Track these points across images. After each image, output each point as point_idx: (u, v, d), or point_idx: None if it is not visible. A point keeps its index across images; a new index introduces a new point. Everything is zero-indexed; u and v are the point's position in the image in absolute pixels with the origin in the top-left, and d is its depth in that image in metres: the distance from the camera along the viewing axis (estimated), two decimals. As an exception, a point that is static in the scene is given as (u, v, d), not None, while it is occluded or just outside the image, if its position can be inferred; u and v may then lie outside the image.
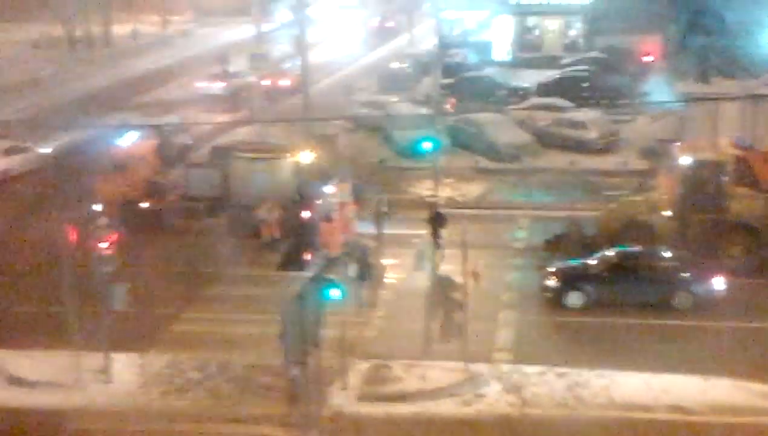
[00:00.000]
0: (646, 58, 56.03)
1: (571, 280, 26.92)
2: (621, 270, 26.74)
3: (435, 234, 27.50)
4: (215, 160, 33.99)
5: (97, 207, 32.65)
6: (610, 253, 27.40)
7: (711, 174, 29.08)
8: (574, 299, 26.67)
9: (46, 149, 40.36)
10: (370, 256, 28.12)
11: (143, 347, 24.65)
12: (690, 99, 40.09)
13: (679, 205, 29.13)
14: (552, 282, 26.98)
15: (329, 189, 31.71)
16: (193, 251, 31.12)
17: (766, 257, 28.59)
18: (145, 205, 33.16)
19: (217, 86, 53.52)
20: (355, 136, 43.88)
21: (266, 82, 54.15)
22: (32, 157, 40.73)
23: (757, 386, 22.23)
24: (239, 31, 69.94)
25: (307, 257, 27.79)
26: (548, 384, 22.53)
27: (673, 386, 22.26)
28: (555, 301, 26.85)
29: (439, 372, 22.98)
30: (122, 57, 68.84)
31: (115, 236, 24.00)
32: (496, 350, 24.51)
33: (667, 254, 27.35)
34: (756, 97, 37.66)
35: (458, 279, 23.55)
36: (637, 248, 27.77)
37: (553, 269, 27.39)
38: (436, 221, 28.08)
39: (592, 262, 27.27)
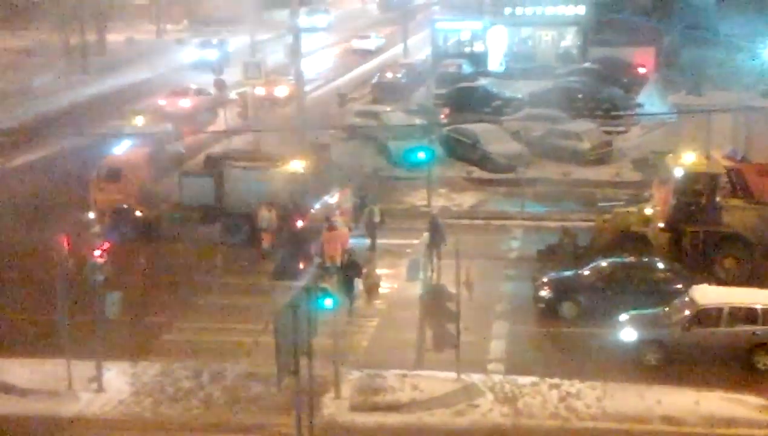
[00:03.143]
0: (639, 70, 56.16)
1: (564, 290, 26.93)
2: (614, 281, 26.76)
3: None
4: (209, 168, 33.95)
5: (91, 215, 32.76)
6: (604, 264, 27.43)
7: (704, 186, 29.16)
8: (567, 309, 26.69)
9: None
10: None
11: (135, 356, 24.57)
12: (683, 111, 40.18)
13: (672, 216, 29.18)
14: (545, 293, 26.99)
15: (330, 197, 31.79)
16: (187, 259, 31.06)
17: (759, 269, 28.66)
18: (138, 213, 33.11)
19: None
20: (348, 146, 43.88)
21: (260, 91, 54.17)
22: None
23: (749, 399, 22.27)
24: (234, 40, 69.88)
25: (302, 266, 27.79)
26: (541, 395, 22.53)
27: (665, 398, 22.27)
28: (548, 311, 26.86)
29: (433, 382, 22.96)
30: (117, 65, 68.73)
31: (107, 244, 23.95)
32: (490, 360, 24.52)
33: (661, 266, 27.38)
34: (749, 110, 37.77)
35: (452, 289, 23.51)
36: (630, 260, 27.80)
37: (546, 280, 27.40)
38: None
39: (585, 273, 27.29)
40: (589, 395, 22.43)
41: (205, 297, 28.48)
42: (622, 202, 33.67)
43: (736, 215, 29.03)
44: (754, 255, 28.68)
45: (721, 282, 27.03)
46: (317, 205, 32.20)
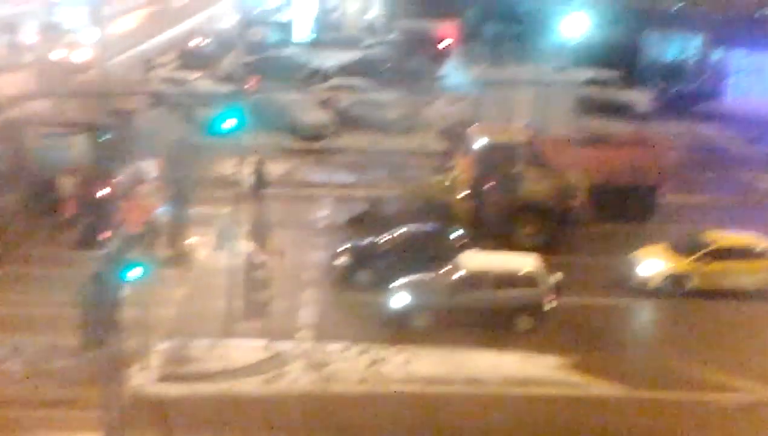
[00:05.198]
0: (444, 42, 57.47)
1: (360, 258, 27.28)
2: (408, 248, 27.26)
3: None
4: (6, 134, 32.41)
5: None
6: (399, 231, 27.97)
7: (504, 156, 30.23)
8: (363, 276, 27.08)
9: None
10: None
11: (-73, 331, 23.33)
12: (486, 83, 41.49)
13: (474, 185, 30.14)
14: (342, 260, 27.29)
15: (136, 166, 31.07)
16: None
17: (556, 235, 30.05)
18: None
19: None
20: (154, 113, 42.91)
21: (60, 54, 52.08)
22: None
23: (546, 359, 23.39)
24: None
25: (106, 235, 27.10)
26: (350, 361, 22.91)
27: (468, 361, 23.11)
28: (345, 279, 27.18)
29: (242, 351, 22.95)
30: None
31: None
32: (299, 327, 24.69)
33: (453, 233, 28.16)
34: (546, 83, 39.40)
35: (262, 257, 23.51)
36: (425, 227, 28.35)
37: (344, 248, 27.71)
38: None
39: (381, 240, 27.69)
40: (396, 360, 22.99)
41: (3, 268, 27.30)
42: (428, 172, 34.45)
43: (534, 185, 30.27)
44: (551, 223, 30.01)
45: (520, 249, 28.12)
46: (122, 173, 31.39)
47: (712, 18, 48.18)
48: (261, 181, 31.42)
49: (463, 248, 26.86)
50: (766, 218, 32.72)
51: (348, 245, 27.87)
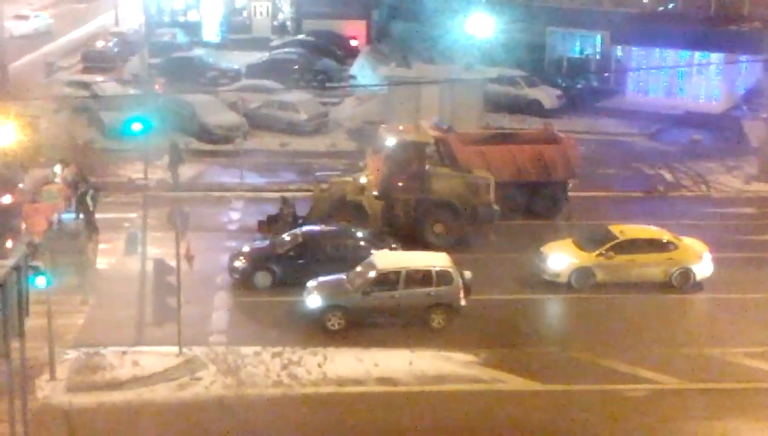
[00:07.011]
0: (352, 42, 57.58)
1: (258, 261, 27.09)
2: (307, 250, 27.14)
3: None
4: None
5: None
6: (298, 233, 27.84)
7: (413, 155, 30.43)
8: (261, 279, 26.90)
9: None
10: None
11: None
12: (393, 82, 41.71)
13: (384, 184, 30.27)
14: (240, 263, 27.07)
15: (41, 172, 30.52)
16: None
17: (466, 233, 30.35)
18: None
19: None
20: (59, 118, 42.05)
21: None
22: None
23: (457, 356, 23.63)
24: None
25: (9, 243, 26.51)
26: (264, 364, 22.81)
27: (382, 360, 23.21)
28: (243, 282, 26.93)
29: (154, 358, 22.69)
30: None
31: None
32: (212, 332, 24.50)
33: (354, 234, 28.06)
34: (453, 82, 39.78)
35: (171, 262, 23.26)
36: (326, 228, 28.34)
37: (242, 250, 27.53)
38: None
39: (280, 242, 27.49)
40: (311, 362, 22.97)
41: None
42: (338, 172, 34.50)
43: (444, 183, 30.53)
44: (461, 220, 30.30)
45: (431, 247, 28.35)
46: (26, 180, 30.77)
47: (614, 15, 49.16)
48: (175, 159, 31.26)
49: (372, 247, 26.95)
50: (669, 211, 33.72)
51: (245, 248, 27.69)
